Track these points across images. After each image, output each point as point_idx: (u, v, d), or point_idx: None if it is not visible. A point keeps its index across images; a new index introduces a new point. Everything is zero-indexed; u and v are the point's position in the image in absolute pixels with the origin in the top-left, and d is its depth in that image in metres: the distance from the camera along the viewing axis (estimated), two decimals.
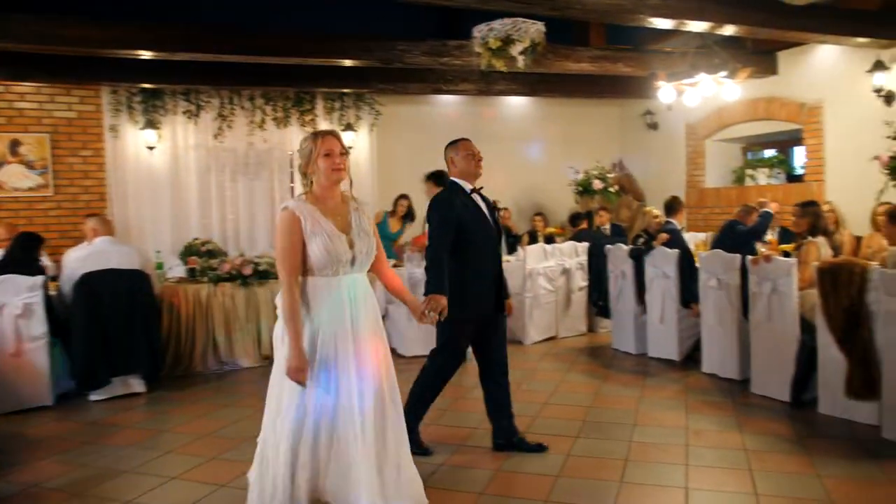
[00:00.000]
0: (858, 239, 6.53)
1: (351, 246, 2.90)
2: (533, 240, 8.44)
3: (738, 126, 8.95)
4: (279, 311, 2.91)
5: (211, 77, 7.62)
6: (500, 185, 9.36)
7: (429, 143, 9.23)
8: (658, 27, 5.96)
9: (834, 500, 3.42)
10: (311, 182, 2.96)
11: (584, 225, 8.31)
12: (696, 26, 6.00)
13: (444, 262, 3.79)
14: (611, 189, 8.66)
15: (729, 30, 6.19)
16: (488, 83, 8.30)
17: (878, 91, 6.99)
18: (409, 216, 7.91)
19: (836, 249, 5.35)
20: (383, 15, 7.44)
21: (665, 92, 6.89)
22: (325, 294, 2.86)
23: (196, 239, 7.30)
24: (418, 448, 3.87)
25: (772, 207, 7.09)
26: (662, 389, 5.54)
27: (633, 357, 6.66)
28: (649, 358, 6.54)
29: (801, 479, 3.71)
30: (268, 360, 6.81)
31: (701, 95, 6.86)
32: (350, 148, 8.67)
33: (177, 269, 7.10)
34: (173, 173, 8.35)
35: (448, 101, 9.54)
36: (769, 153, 9.15)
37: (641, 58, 7.49)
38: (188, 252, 7.02)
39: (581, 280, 7.64)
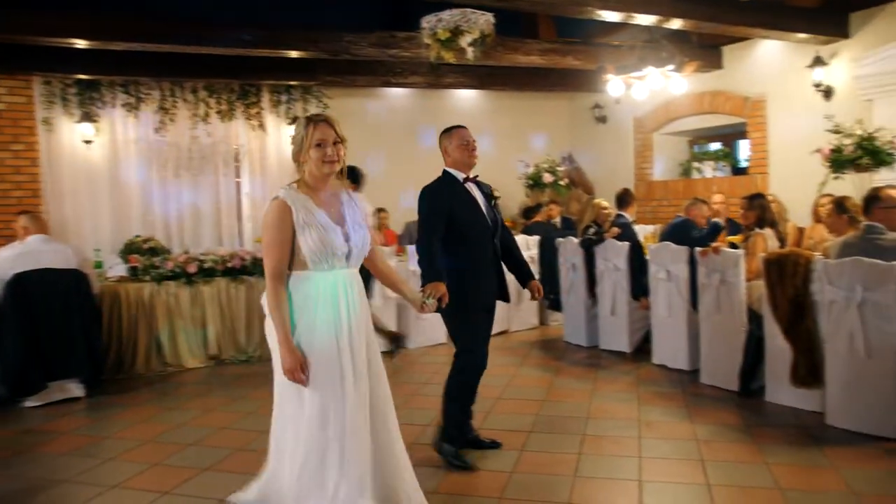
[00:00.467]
0: (801, 230, 6.68)
1: (346, 239, 2.74)
2: None
3: (685, 120, 9.08)
4: (267, 311, 2.75)
5: (151, 68, 7.37)
6: None
7: (379, 136, 9.20)
8: (607, 20, 5.98)
9: (782, 487, 3.47)
10: (303, 170, 2.76)
11: (537, 218, 8.33)
12: (644, 20, 6.05)
13: (435, 252, 3.65)
14: (561, 182, 8.69)
15: (676, 23, 6.24)
16: (438, 76, 8.23)
17: (817, 86, 7.16)
18: None
19: (783, 241, 5.45)
20: (331, 6, 7.30)
21: (614, 85, 6.92)
22: (319, 289, 2.69)
23: (137, 236, 7.05)
24: (459, 460, 3.87)
25: (718, 199, 7.23)
26: (614, 382, 5.57)
27: (585, 350, 6.70)
28: (601, 350, 6.58)
29: (751, 467, 3.75)
30: (214, 360, 6.66)
31: (649, 89, 6.92)
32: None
33: (117, 268, 6.83)
34: (112, 168, 8.03)
35: (398, 94, 9.44)
36: (715, 146, 9.31)
37: (590, 51, 7.53)
38: (129, 250, 6.78)
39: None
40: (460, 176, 3.85)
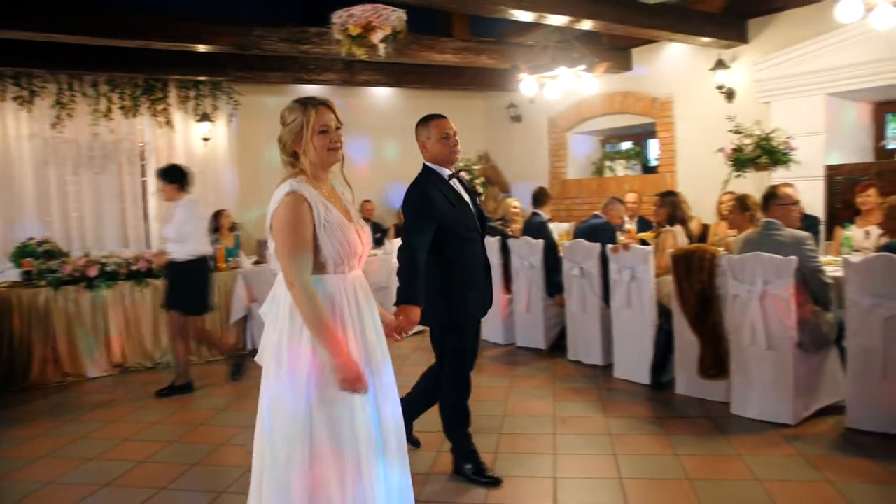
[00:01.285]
0: (706, 227, 6.93)
1: (359, 236, 2.46)
2: (400, 233, 8.33)
3: (597, 119, 9.27)
4: (272, 321, 2.39)
5: (45, 59, 6.90)
6: (365, 177, 9.23)
7: None
8: (520, 20, 6.01)
9: (691, 478, 3.56)
10: (297, 161, 2.42)
11: None
12: (556, 20, 6.11)
13: (420, 265, 3.29)
14: (477, 180, 8.71)
15: (586, 24, 6.33)
16: (352, 73, 8.11)
17: (720, 88, 7.44)
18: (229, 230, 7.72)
19: (691, 238, 5.62)
20: None
21: (527, 84, 6.99)
22: (339, 295, 2.37)
23: (31, 239, 6.62)
24: (483, 476, 3.64)
25: (631, 198, 7.42)
26: (530, 378, 5.62)
27: (502, 347, 6.73)
28: (517, 347, 6.63)
29: (661, 459, 3.84)
30: (118, 368, 6.34)
31: (562, 89, 7.02)
32: (206, 139, 8.33)
33: (9, 273, 6.41)
34: (4, 166, 7.48)
35: (312, 91, 9.20)
36: (626, 145, 9.55)
37: (504, 50, 7.57)
38: (22, 253, 6.36)
39: None
40: (444, 172, 3.52)
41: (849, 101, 6.99)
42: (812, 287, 4.31)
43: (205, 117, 8.22)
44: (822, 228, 6.37)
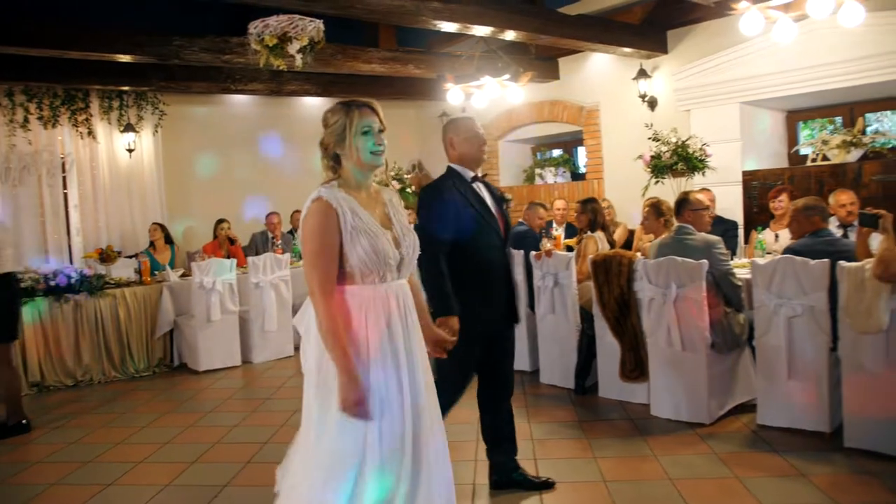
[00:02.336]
0: (632, 232, 7.11)
1: (397, 245, 2.36)
2: None
3: (528, 127, 9.42)
4: (305, 332, 2.36)
5: None
6: (297, 188, 9.11)
7: (221, 145, 8.85)
8: (443, 30, 6.08)
9: (607, 480, 3.65)
10: (338, 166, 2.37)
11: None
12: (479, 31, 6.20)
13: (444, 272, 3.17)
14: (408, 189, 8.75)
15: (510, 35, 6.43)
16: (279, 83, 8.03)
17: (642, 97, 7.66)
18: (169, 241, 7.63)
19: (612, 243, 5.76)
20: (163, 9, 6.91)
21: (453, 94, 7.07)
22: (370, 307, 2.29)
23: None
24: None
25: (560, 205, 7.57)
26: None
27: None
28: None
29: (580, 462, 3.92)
30: (36, 387, 6.11)
31: (488, 98, 7.12)
32: (131, 150, 8.14)
33: None
34: None
35: (240, 101, 9.12)
36: (556, 153, 9.72)
37: (431, 60, 7.63)
38: None
39: None
40: (468, 174, 3.37)
41: (762, 110, 7.29)
42: (723, 289, 4.47)
43: (129, 128, 8.03)
44: (741, 232, 6.62)
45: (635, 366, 4.81)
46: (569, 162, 9.25)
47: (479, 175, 3.43)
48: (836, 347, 4.00)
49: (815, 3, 4.44)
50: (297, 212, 8.71)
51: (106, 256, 6.81)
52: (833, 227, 4.95)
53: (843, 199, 5.16)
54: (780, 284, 4.12)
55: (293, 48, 4.46)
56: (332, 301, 2.23)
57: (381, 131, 2.36)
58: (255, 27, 4.50)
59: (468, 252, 3.26)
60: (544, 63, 8.50)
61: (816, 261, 3.97)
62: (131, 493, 3.82)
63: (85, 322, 6.33)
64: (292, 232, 8.53)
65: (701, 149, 6.29)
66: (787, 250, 4.28)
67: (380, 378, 2.26)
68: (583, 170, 9.19)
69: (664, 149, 6.33)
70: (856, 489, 3.40)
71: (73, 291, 6.28)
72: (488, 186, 3.45)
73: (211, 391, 5.93)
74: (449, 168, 3.41)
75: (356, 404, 2.17)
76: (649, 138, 6.57)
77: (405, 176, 8.81)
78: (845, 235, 5.05)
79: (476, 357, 3.42)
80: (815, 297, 3.99)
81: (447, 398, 3.22)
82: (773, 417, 4.27)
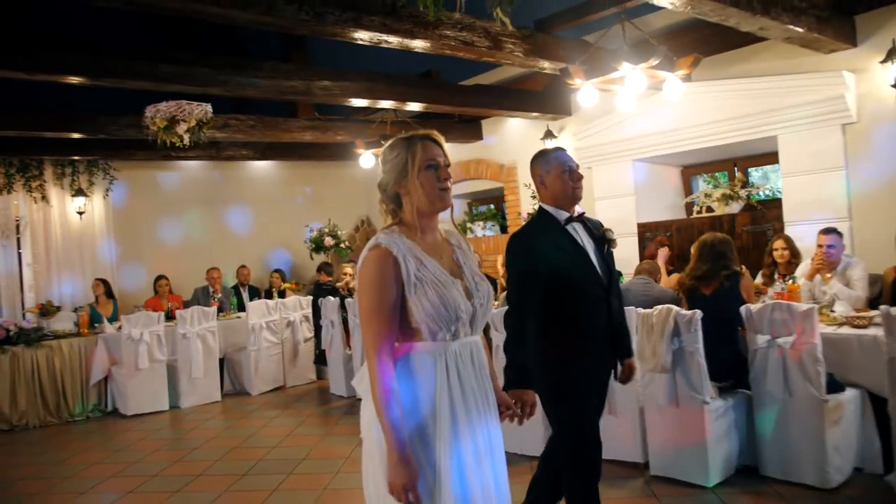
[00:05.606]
0: None
1: (469, 296, 2.07)
2: (269, 295, 8.89)
3: (463, 183, 10.04)
4: (364, 393, 2.05)
5: None
6: (246, 244, 9.78)
7: (173, 207, 9.49)
8: (357, 105, 6.71)
9: None
10: (398, 208, 2.11)
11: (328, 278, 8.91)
12: (386, 104, 6.86)
13: (524, 336, 2.81)
14: (342, 245, 9.33)
15: (415, 106, 7.08)
16: (218, 150, 8.72)
17: None
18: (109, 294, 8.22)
19: None
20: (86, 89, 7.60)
21: (365, 159, 7.73)
22: (439, 367, 2.00)
23: None
24: None
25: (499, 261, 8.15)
26: (347, 426, 6.13)
27: (345, 399, 7.26)
28: (357, 399, 7.11)
29: None
30: None
31: None
32: (81, 213, 8.81)
33: None
34: None
35: (189, 165, 9.69)
36: (488, 207, 10.33)
37: (350, 127, 8.29)
38: None
39: (307, 332, 8.19)
40: (561, 216, 2.96)
41: (657, 165, 7.87)
42: None
43: (80, 192, 8.70)
44: None
45: None
46: (496, 216, 9.84)
47: (576, 214, 2.99)
48: None
49: (633, 80, 5.06)
50: (243, 267, 9.34)
51: (46, 310, 7.42)
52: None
53: (775, 245, 5.61)
54: None
55: (181, 129, 5.12)
56: (388, 365, 1.93)
57: (447, 166, 2.11)
58: (149, 111, 5.17)
59: (564, 307, 2.87)
60: (467, 125, 9.17)
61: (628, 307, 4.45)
62: None
63: (21, 371, 6.90)
64: (237, 287, 9.11)
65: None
66: None
67: (446, 459, 1.96)
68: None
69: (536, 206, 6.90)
70: None
71: (10, 343, 6.88)
72: (588, 227, 3.01)
73: (133, 433, 6.43)
74: (540, 209, 3.02)
75: (404, 489, 1.88)
76: (532, 196, 7.15)
77: (339, 232, 9.39)
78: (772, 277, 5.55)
79: (591, 406, 2.98)
80: None
81: (582, 465, 2.91)
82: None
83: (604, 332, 2.96)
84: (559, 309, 2.86)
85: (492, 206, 10.10)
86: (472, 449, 2.01)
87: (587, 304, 2.90)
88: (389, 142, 2.15)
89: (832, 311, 4.64)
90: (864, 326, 4.18)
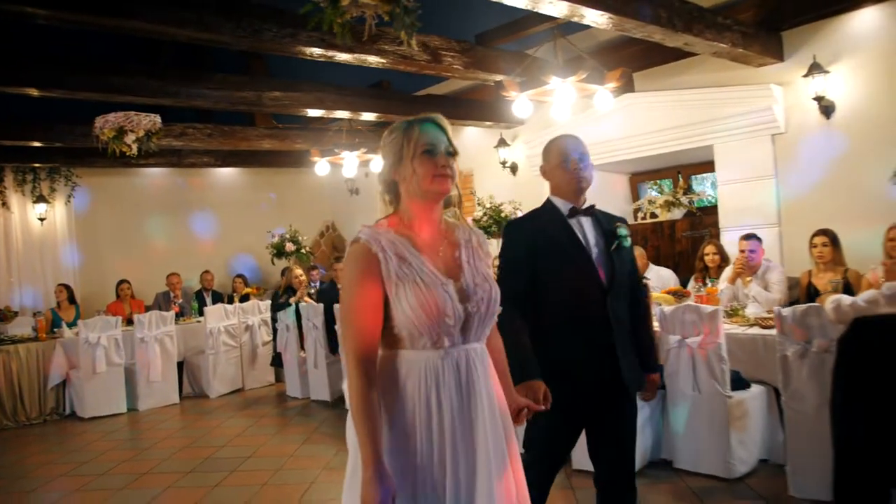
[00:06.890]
0: None
1: (463, 299, 1.84)
2: (231, 300, 9.04)
3: None
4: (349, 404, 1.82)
5: None
6: (210, 250, 9.93)
7: (136, 212, 9.62)
8: (312, 115, 6.91)
9: None
10: (396, 199, 1.94)
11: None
12: (341, 114, 7.07)
13: (520, 329, 2.50)
14: (303, 250, 9.48)
15: (368, 116, 7.29)
16: (179, 157, 8.88)
17: (503, 163, 8.50)
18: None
19: None
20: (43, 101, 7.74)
21: (320, 166, 7.93)
22: (418, 379, 1.80)
23: None
24: None
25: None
26: (297, 427, 6.31)
27: (299, 401, 7.43)
28: (311, 401, 7.33)
29: None
30: None
31: (352, 169, 8.00)
32: (42, 219, 8.93)
33: None
34: None
35: (147, 173, 9.78)
36: None
37: (307, 135, 8.49)
38: None
39: (266, 335, 8.37)
40: (565, 207, 2.69)
41: (606, 173, 8.12)
42: None
43: (41, 199, 8.80)
44: None
45: None
46: None
47: (582, 207, 2.70)
48: None
49: (563, 93, 5.32)
50: (207, 272, 9.47)
51: (3, 315, 7.54)
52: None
53: (706, 251, 5.86)
54: None
55: (130, 139, 5.29)
56: (366, 373, 1.75)
57: (449, 154, 1.92)
58: (98, 121, 5.34)
59: (553, 305, 2.60)
60: None
61: None
62: None
63: None
64: (200, 292, 9.25)
65: (514, 211, 7.08)
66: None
67: (420, 476, 1.78)
68: None
69: (479, 213, 7.13)
70: None
71: None
72: (598, 220, 2.72)
73: (89, 435, 6.55)
74: (546, 200, 2.77)
75: None
76: (478, 204, 7.38)
77: (300, 238, 9.54)
78: (704, 282, 5.73)
79: (564, 433, 2.68)
80: None
81: (539, 480, 2.58)
82: None
83: (601, 343, 2.57)
84: (546, 306, 2.59)
85: None
86: (445, 473, 1.77)
87: (578, 304, 2.59)
88: (392, 127, 1.96)
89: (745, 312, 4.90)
90: (771, 326, 4.43)
